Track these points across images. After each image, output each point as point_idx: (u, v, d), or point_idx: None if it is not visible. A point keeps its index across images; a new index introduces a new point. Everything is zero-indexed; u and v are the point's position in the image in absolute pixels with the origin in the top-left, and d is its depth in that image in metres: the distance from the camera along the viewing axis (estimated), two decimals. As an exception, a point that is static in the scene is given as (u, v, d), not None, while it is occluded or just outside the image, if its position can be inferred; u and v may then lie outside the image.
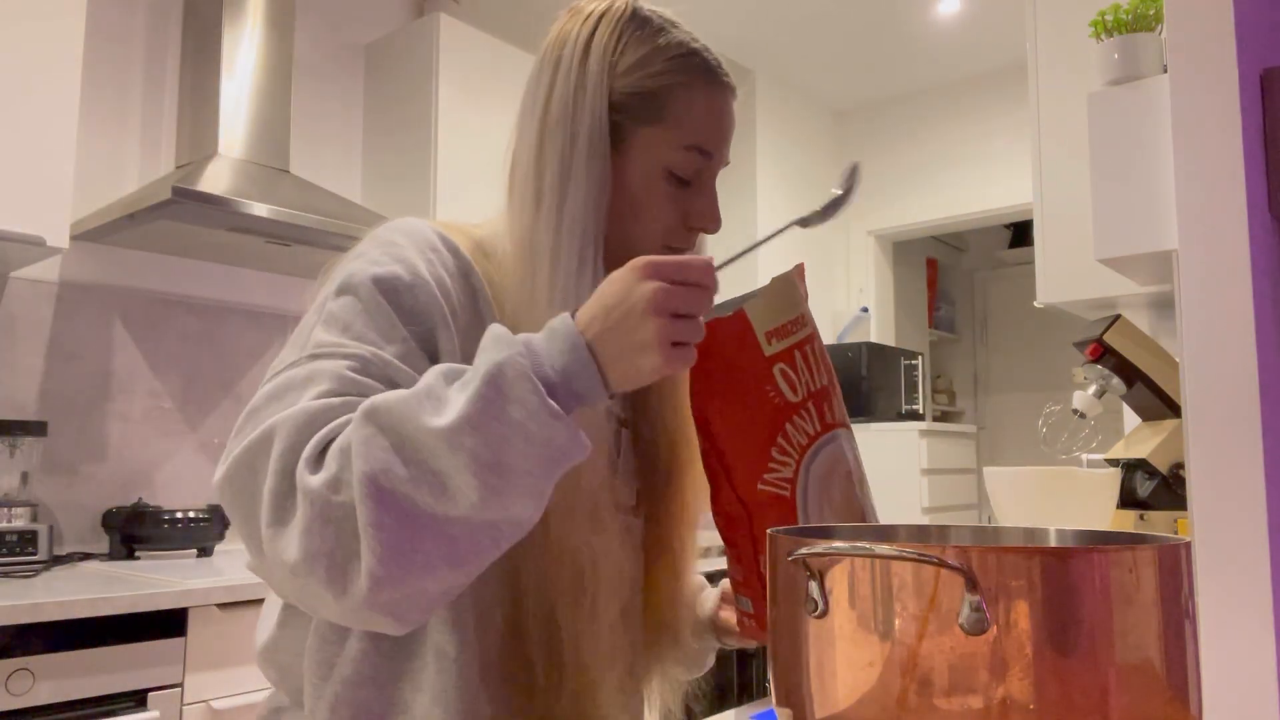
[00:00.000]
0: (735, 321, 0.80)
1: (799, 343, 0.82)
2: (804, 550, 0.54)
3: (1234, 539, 0.43)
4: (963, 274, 5.55)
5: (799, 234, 4.10)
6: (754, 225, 3.72)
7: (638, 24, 0.81)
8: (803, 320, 0.82)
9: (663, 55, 0.80)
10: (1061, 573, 0.48)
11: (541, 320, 0.69)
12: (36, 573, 1.82)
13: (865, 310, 4.02)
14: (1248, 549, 0.43)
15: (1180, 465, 1.64)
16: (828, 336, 4.01)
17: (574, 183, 0.76)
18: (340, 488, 0.60)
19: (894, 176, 4.07)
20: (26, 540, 1.88)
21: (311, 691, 0.73)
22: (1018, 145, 3.69)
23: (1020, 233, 5.19)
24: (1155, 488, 1.66)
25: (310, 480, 0.61)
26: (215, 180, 2.06)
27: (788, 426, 0.80)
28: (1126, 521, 1.65)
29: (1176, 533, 1.57)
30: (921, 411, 3.75)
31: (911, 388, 3.74)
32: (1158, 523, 1.64)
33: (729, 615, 0.97)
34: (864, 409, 3.50)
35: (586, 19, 0.81)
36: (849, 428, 0.86)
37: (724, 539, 0.85)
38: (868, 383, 3.51)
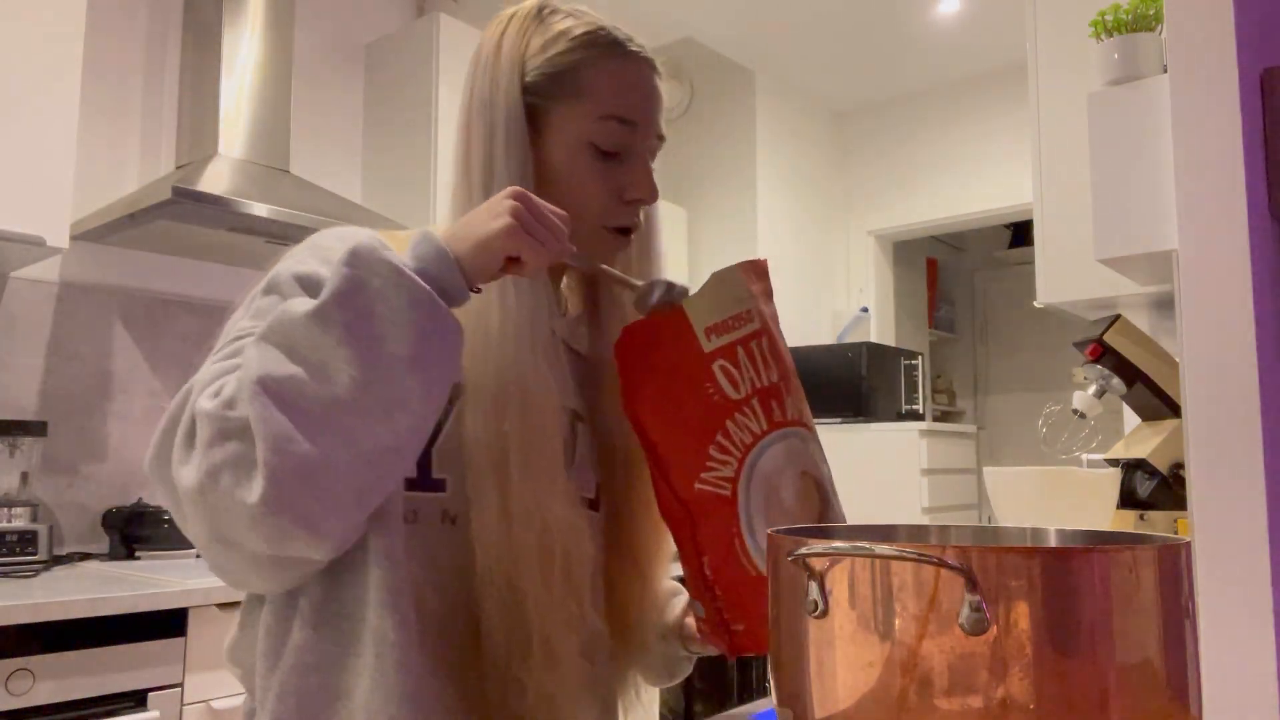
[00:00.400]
0: (672, 317, 0.78)
1: (744, 338, 0.79)
2: (804, 550, 0.54)
3: (1234, 539, 0.43)
4: (963, 274, 5.55)
5: (798, 233, 4.06)
6: (754, 225, 3.72)
7: (544, 16, 0.85)
8: (749, 315, 0.80)
9: (567, 36, 0.83)
10: (1061, 573, 0.48)
11: (471, 312, 0.75)
12: (36, 573, 1.82)
13: (865, 310, 4.01)
14: (1248, 549, 0.43)
15: (1180, 465, 1.64)
16: (827, 336, 4.01)
17: (496, 171, 0.80)
18: (235, 404, 0.63)
19: (894, 176, 4.07)
20: (26, 540, 1.88)
21: (260, 683, 0.74)
22: (1018, 145, 3.69)
23: (1020, 233, 5.19)
24: (1155, 488, 1.66)
25: (206, 404, 0.64)
26: (215, 180, 2.06)
27: (729, 424, 0.78)
28: (1126, 521, 1.65)
29: (1176, 533, 1.57)
30: (921, 411, 3.75)
31: (911, 388, 3.74)
32: (1158, 523, 1.64)
33: (693, 620, 0.94)
34: (864, 409, 3.50)
35: (500, 22, 0.86)
36: (809, 427, 0.83)
37: (675, 541, 0.84)
38: (868, 383, 3.51)
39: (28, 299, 2.16)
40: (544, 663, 0.75)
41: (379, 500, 0.67)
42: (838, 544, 0.53)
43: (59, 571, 1.87)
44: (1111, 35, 1.62)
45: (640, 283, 0.82)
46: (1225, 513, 0.44)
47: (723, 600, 0.78)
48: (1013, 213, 3.83)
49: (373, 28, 2.90)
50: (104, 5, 2.32)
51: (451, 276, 0.68)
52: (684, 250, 3.81)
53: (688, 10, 3.40)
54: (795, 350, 3.66)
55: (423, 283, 0.65)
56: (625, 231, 0.84)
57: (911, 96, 4.04)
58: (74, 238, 2.09)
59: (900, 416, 3.64)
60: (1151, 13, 1.60)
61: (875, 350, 3.60)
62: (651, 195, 0.84)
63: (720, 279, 0.80)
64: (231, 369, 0.66)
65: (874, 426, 3.47)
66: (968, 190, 3.86)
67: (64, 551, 2.11)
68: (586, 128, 0.81)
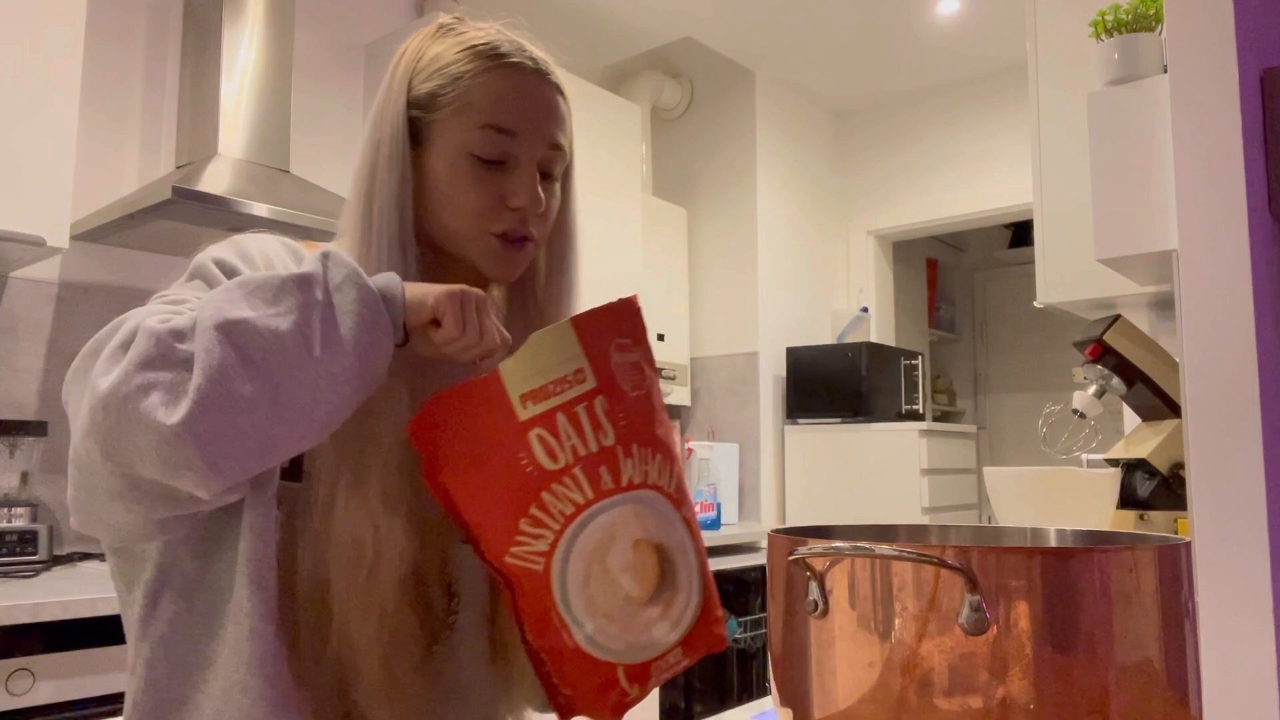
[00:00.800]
0: (486, 385, 0.74)
1: (568, 403, 0.74)
2: (804, 550, 0.54)
3: (1234, 539, 0.43)
4: (963, 274, 5.55)
5: (798, 233, 4.07)
6: (754, 225, 3.72)
7: (442, 33, 0.88)
8: (578, 376, 0.74)
9: (455, 49, 0.85)
10: (1061, 573, 0.48)
11: None
12: (36, 573, 1.82)
13: (865, 310, 4.01)
14: (1248, 549, 0.43)
15: (1180, 465, 1.65)
16: (827, 336, 4.01)
17: (378, 182, 0.84)
18: (185, 337, 0.66)
19: (894, 176, 4.07)
20: (26, 540, 1.88)
21: (132, 651, 0.78)
22: (1018, 145, 3.69)
23: (1020, 233, 5.19)
24: (1155, 488, 1.66)
25: (155, 324, 0.67)
26: (215, 180, 2.06)
27: (544, 496, 0.73)
28: (1126, 521, 1.65)
29: (1176, 533, 1.57)
30: (921, 411, 3.75)
31: (911, 388, 3.74)
32: (1158, 523, 1.64)
33: None
34: (864, 409, 3.50)
35: (412, 38, 0.90)
36: (661, 488, 0.77)
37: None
38: (868, 383, 3.51)
39: (28, 299, 2.16)
40: (343, 671, 0.77)
41: (273, 462, 0.70)
42: (838, 544, 0.53)
43: (59, 571, 1.87)
44: (1111, 35, 1.62)
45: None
46: (1225, 513, 0.44)
47: (548, 666, 0.77)
48: (1013, 213, 3.83)
49: (373, 28, 2.90)
50: (104, 6, 2.32)
51: (395, 299, 0.73)
52: (684, 250, 3.81)
53: (688, 10, 3.40)
54: (795, 350, 3.67)
55: (380, 301, 0.71)
56: (512, 239, 0.86)
57: (911, 96, 4.04)
58: (74, 238, 2.09)
59: (900, 416, 3.64)
60: (1151, 13, 1.60)
61: (875, 350, 3.60)
62: (534, 203, 0.84)
63: (541, 339, 0.75)
64: (177, 309, 0.71)
65: (874, 426, 3.47)
66: (968, 190, 3.86)
67: (64, 551, 2.11)
68: (464, 137, 0.83)
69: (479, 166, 0.83)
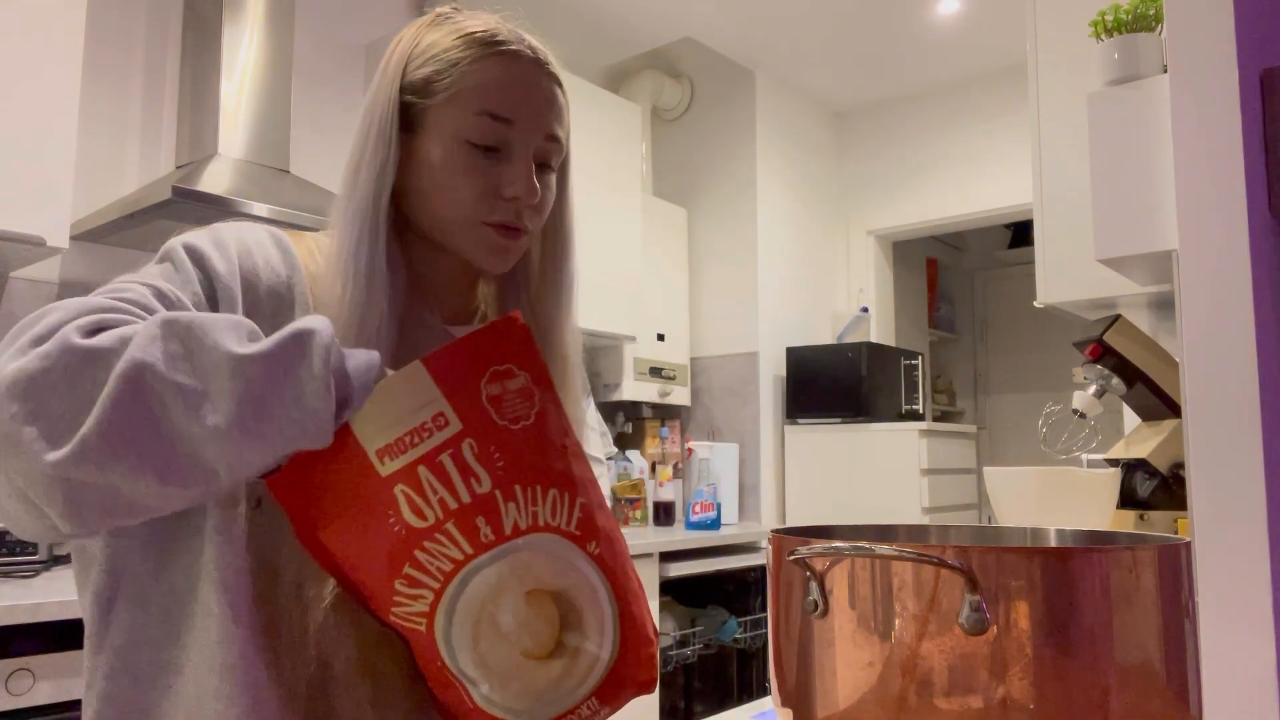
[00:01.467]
0: (340, 440, 0.65)
1: (430, 453, 0.66)
2: (804, 550, 0.54)
3: (1234, 539, 0.43)
4: (963, 274, 5.55)
5: (798, 233, 4.07)
6: (754, 225, 3.72)
7: (439, 21, 0.86)
8: (437, 422, 0.66)
9: (452, 36, 0.84)
10: (1061, 573, 0.48)
11: (328, 294, 0.79)
12: (36, 573, 1.82)
13: (865, 310, 4.01)
14: (1248, 549, 0.43)
15: (1180, 465, 1.64)
16: (827, 336, 4.01)
17: (361, 170, 0.82)
18: (100, 362, 0.60)
19: (894, 176, 4.07)
20: (26, 540, 1.88)
21: (88, 663, 0.75)
22: (1018, 145, 3.69)
23: (1020, 233, 5.19)
24: (1155, 488, 1.66)
25: (76, 339, 0.61)
26: (215, 180, 2.06)
27: (418, 554, 0.67)
28: (1126, 521, 1.65)
29: (1176, 533, 1.57)
30: (921, 411, 3.75)
31: (911, 388, 3.74)
32: (1158, 523, 1.64)
33: None
34: (864, 409, 3.50)
35: (407, 28, 0.89)
36: (556, 530, 0.70)
37: None
38: (868, 383, 3.52)
39: (28, 299, 2.16)
40: (324, 655, 0.75)
41: (143, 518, 0.64)
42: (838, 544, 0.53)
43: (59, 571, 1.87)
44: (1111, 35, 1.62)
45: None
46: (1225, 513, 0.44)
47: (451, 715, 0.73)
48: (1013, 213, 3.83)
49: (373, 28, 2.90)
50: (104, 6, 2.32)
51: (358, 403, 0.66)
52: (684, 250, 3.81)
53: (688, 10, 3.40)
54: (795, 350, 3.67)
55: (332, 404, 0.62)
56: (505, 229, 0.84)
57: (911, 96, 4.04)
58: (74, 238, 2.09)
59: (900, 416, 3.64)
60: (1151, 13, 1.60)
61: (875, 350, 3.60)
62: (529, 193, 0.82)
63: (390, 385, 0.67)
64: (111, 318, 0.64)
65: (874, 426, 3.47)
66: (968, 190, 3.86)
67: (64, 551, 2.11)
68: (460, 123, 0.81)
69: (474, 154, 0.82)
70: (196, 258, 0.76)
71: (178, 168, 2.34)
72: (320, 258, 0.84)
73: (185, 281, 0.75)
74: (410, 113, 0.83)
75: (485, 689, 0.69)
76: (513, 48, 0.84)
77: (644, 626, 0.74)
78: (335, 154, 2.81)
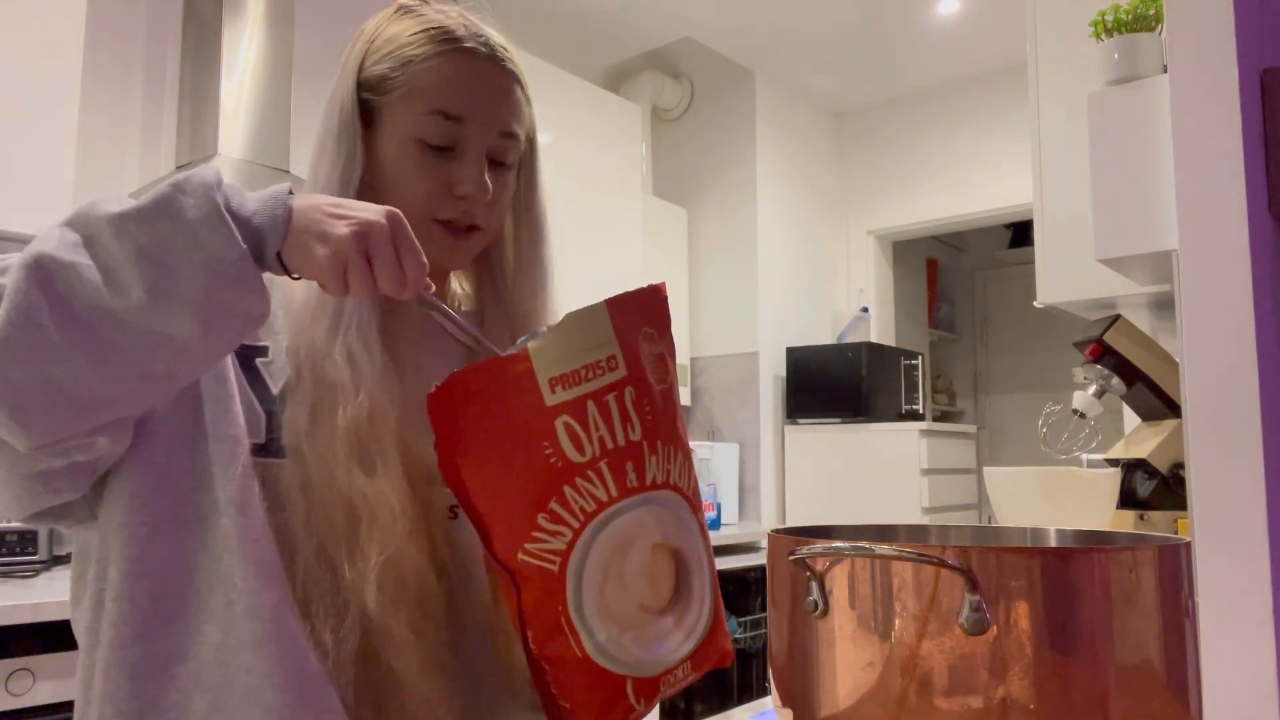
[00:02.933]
0: (514, 362, 0.67)
1: (599, 390, 0.68)
2: (804, 550, 0.54)
3: (1234, 539, 0.43)
4: (963, 274, 5.55)
5: (798, 233, 4.06)
6: (754, 225, 3.72)
7: (402, 14, 0.86)
8: (610, 362, 0.69)
9: (410, 31, 0.83)
10: (1061, 573, 0.48)
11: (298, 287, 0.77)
12: (36, 573, 1.82)
13: (865, 310, 4.01)
14: (1248, 549, 0.43)
15: (1180, 465, 1.65)
16: (827, 336, 4.01)
17: (324, 162, 0.82)
18: (4, 271, 0.61)
19: (894, 176, 4.07)
20: (26, 540, 1.88)
21: (85, 660, 0.73)
22: (1018, 145, 3.69)
23: (1020, 233, 5.19)
24: (1155, 488, 1.66)
25: None
26: (215, 180, 2.06)
27: (567, 490, 0.68)
28: (1126, 521, 1.65)
29: (1176, 533, 1.57)
30: (921, 411, 3.75)
31: (911, 388, 3.74)
32: (1158, 523, 1.64)
33: None
34: (864, 409, 3.50)
35: (370, 21, 0.88)
36: (681, 490, 0.73)
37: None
38: (868, 383, 3.51)
39: (28, 299, 2.16)
40: (367, 643, 0.73)
41: (101, 420, 0.64)
42: (838, 544, 0.53)
43: (59, 571, 1.87)
44: (1111, 35, 1.62)
45: (466, 335, 0.74)
46: (1225, 513, 0.44)
47: (550, 675, 0.71)
48: (1013, 213, 3.83)
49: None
50: (104, 5, 2.32)
51: (268, 236, 0.64)
52: (684, 250, 3.81)
53: (688, 10, 3.40)
54: (795, 350, 3.67)
55: (238, 235, 0.62)
56: (457, 228, 0.83)
57: (911, 96, 4.04)
58: (74, 238, 2.09)
59: (900, 416, 3.64)
60: (1151, 13, 1.60)
61: (875, 350, 3.60)
62: (480, 191, 0.82)
63: (576, 320, 0.69)
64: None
65: (874, 426, 3.47)
66: (968, 190, 3.86)
67: (64, 551, 2.10)
68: (412, 122, 0.81)
69: (426, 153, 0.81)
70: None
71: (178, 168, 2.34)
72: None
73: None
74: (367, 109, 0.83)
75: (602, 638, 0.69)
76: (467, 45, 0.83)
77: (722, 604, 0.78)
78: (335, 154, 2.81)
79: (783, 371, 3.75)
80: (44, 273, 0.60)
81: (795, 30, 3.52)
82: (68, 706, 1.54)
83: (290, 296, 0.80)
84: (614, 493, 0.68)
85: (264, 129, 2.34)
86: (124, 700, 0.70)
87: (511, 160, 0.86)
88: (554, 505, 0.67)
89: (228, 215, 0.62)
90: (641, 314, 0.72)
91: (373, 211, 0.66)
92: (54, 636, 1.53)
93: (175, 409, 0.73)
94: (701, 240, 3.85)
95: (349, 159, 0.81)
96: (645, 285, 0.74)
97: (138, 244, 0.61)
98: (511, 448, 0.68)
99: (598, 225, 3.17)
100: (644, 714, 0.72)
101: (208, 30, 2.35)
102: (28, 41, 1.86)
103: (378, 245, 0.65)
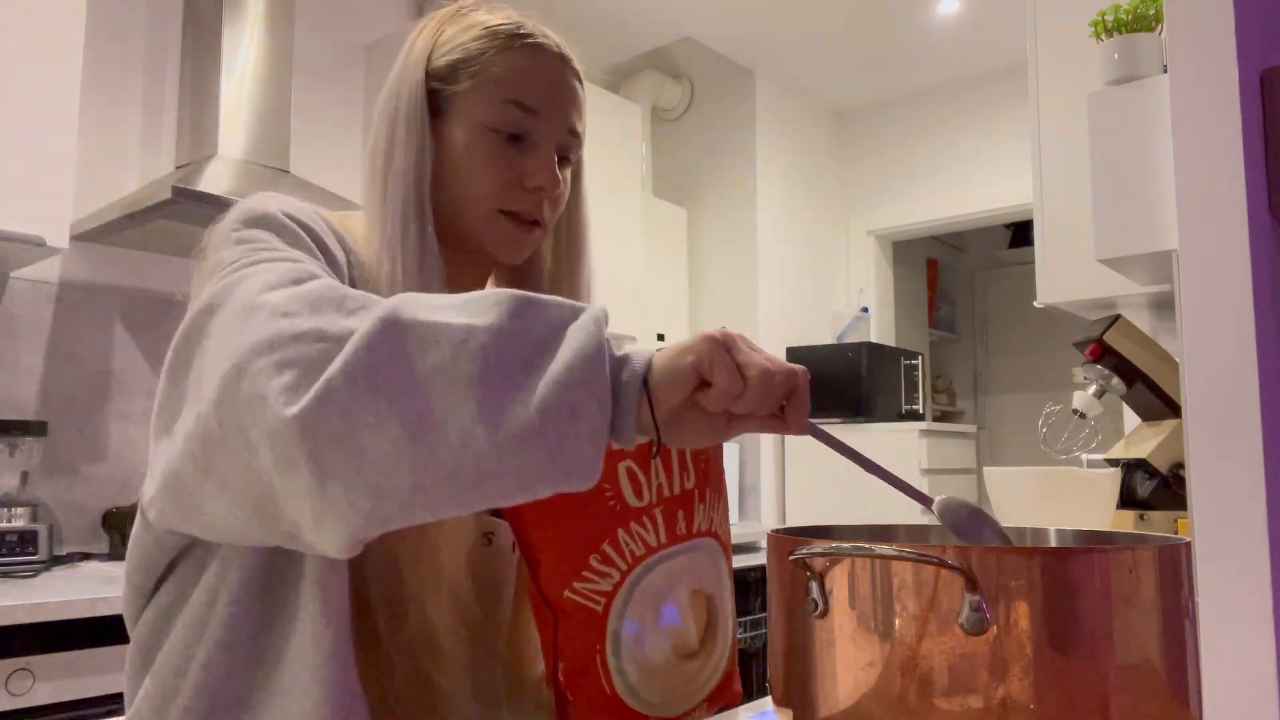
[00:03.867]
0: None
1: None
2: (804, 550, 0.54)
3: (1234, 539, 0.43)
4: (963, 274, 5.55)
5: (798, 233, 4.05)
6: (754, 225, 3.72)
7: (461, 15, 0.86)
8: None
9: (478, 27, 0.84)
10: (1061, 573, 0.48)
11: (375, 281, 0.76)
12: (36, 573, 1.82)
13: (865, 310, 4.01)
14: (1248, 549, 0.43)
15: (1180, 465, 1.64)
16: (827, 336, 4.01)
17: (396, 152, 0.81)
18: (351, 310, 0.56)
19: (894, 176, 4.07)
20: (26, 540, 1.88)
21: (178, 656, 0.70)
22: (1018, 145, 3.69)
23: (1020, 233, 5.19)
24: (1155, 488, 1.66)
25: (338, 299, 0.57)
26: (215, 180, 2.06)
27: (621, 534, 0.69)
28: (1126, 521, 1.65)
29: (1176, 533, 1.57)
30: (921, 411, 3.75)
31: (911, 388, 3.74)
32: (1158, 523, 1.64)
33: None
34: (864, 409, 3.50)
35: (424, 20, 0.88)
36: (719, 537, 0.75)
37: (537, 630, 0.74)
38: (868, 383, 3.51)
39: (28, 299, 2.16)
40: (424, 662, 0.73)
41: (408, 520, 0.55)
42: (838, 544, 0.53)
43: (59, 571, 1.87)
44: (1111, 35, 1.62)
45: (923, 496, 0.68)
46: (1225, 513, 0.44)
47: (573, 708, 0.71)
48: (1013, 213, 3.83)
49: (373, 28, 2.90)
50: (104, 5, 2.32)
51: (636, 382, 0.58)
52: (684, 250, 3.81)
53: (688, 10, 3.40)
54: (795, 350, 3.67)
55: (612, 353, 0.57)
56: (524, 220, 0.83)
57: (911, 96, 4.04)
58: (74, 238, 2.09)
59: (900, 416, 3.64)
60: (1151, 13, 1.60)
61: (875, 350, 3.60)
62: (552, 184, 0.82)
63: None
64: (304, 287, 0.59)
65: (874, 426, 3.47)
66: (968, 190, 3.86)
67: (64, 551, 2.11)
68: (485, 111, 0.81)
69: (498, 142, 0.81)
70: (285, 223, 0.72)
71: (178, 168, 2.34)
72: (351, 239, 0.82)
73: (308, 248, 0.73)
74: (435, 99, 0.83)
75: (634, 678, 0.70)
76: (539, 40, 0.84)
77: (736, 640, 0.79)
78: (335, 154, 2.81)
79: (783, 371, 3.75)
80: (398, 332, 0.54)
81: (795, 30, 3.52)
82: (68, 706, 1.54)
83: None
84: (663, 539, 0.71)
85: (264, 129, 2.34)
86: (220, 696, 0.69)
87: (573, 158, 0.87)
88: (606, 547, 0.69)
89: (605, 335, 0.57)
90: None
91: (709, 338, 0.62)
92: (54, 636, 1.53)
93: None
94: (701, 240, 3.85)
95: (421, 150, 0.81)
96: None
97: (527, 374, 0.54)
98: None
99: (598, 225, 3.16)
100: None
101: (208, 30, 2.35)
102: (28, 42, 1.86)
103: (735, 353, 0.61)
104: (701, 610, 0.73)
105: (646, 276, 3.46)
